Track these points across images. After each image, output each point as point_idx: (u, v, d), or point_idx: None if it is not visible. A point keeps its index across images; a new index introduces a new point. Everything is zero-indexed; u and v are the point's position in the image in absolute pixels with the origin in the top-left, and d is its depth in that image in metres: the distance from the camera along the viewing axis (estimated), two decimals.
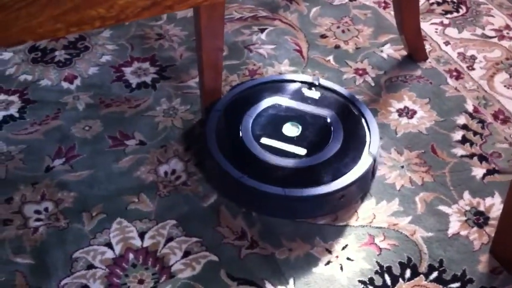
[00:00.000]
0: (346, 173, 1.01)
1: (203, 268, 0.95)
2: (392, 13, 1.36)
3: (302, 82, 1.18)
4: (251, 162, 1.02)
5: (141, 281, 0.93)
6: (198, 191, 1.06)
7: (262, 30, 1.40)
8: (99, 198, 1.04)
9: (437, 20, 1.44)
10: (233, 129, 1.07)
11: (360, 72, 1.30)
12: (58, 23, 0.63)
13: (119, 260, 0.95)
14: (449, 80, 1.28)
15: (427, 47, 1.36)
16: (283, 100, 1.13)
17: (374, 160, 1.04)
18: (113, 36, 1.37)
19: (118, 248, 0.97)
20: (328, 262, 0.96)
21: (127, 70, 1.29)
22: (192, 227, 1.00)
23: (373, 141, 1.06)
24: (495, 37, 1.40)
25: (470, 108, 1.22)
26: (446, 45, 1.38)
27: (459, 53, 1.35)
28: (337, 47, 1.37)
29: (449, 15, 1.46)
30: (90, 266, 0.94)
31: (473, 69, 1.31)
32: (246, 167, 1.01)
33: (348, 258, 0.96)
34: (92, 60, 1.31)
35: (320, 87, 1.16)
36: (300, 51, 1.35)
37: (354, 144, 1.06)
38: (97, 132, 1.16)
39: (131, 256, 0.96)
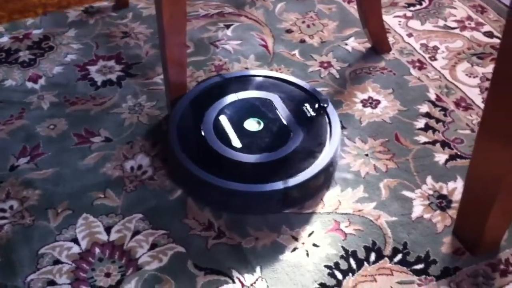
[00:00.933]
0: (304, 169, 1.00)
1: (170, 260, 0.95)
2: (356, 6, 1.38)
3: (267, 77, 1.18)
4: (211, 158, 1.02)
5: (107, 274, 0.93)
6: (164, 185, 1.06)
7: (228, 26, 1.41)
8: (64, 195, 1.04)
9: (401, 13, 1.47)
10: (195, 125, 1.07)
11: (325, 65, 1.32)
12: (1, 11, 0.63)
13: (85, 255, 0.95)
14: (412, 71, 1.30)
15: (391, 39, 1.38)
16: (245, 96, 1.12)
17: (331, 161, 1.03)
18: (78, 35, 1.37)
19: (84, 243, 0.97)
20: (295, 249, 0.97)
21: (92, 69, 1.29)
22: (159, 220, 1.00)
23: (333, 137, 1.05)
24: (457, 28, 1.42)
25: (432, 96, 1.24)
26: (409, 37, 1.40)
27: (422, 44, 1.37)
28: (302, 41, 1.38)
29: (412, 8, 1.48)
30: (56, 262, 0.94)
31: (436, 59, 1.34)
32: (206, 163, 1.00)
33: (314, 245, 0.97)
34: (56, 59, 1.31)
35: (284, 82, 1.16)
36: (266, 46, 1.36)
37: (314, 139, 1.06)
38: (62, 130, 1.15)
39: (97, 250, 0.96)
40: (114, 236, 0.98)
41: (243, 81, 1.17)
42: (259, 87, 1.15)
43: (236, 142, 1.03)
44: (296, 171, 1.00)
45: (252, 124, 1.07)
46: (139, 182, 1.06)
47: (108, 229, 0.99)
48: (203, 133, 1.05)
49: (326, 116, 1.10)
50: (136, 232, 0.98)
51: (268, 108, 1.10)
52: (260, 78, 1.19)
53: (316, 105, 1.10)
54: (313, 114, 1.07)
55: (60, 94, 1.23)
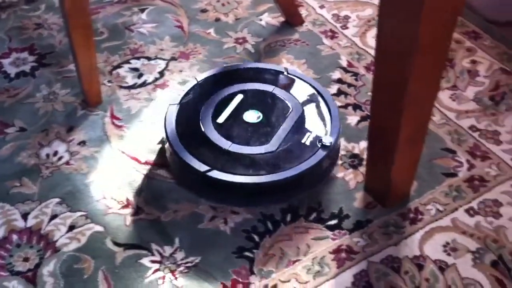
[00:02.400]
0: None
1: (89, 239, 0.95)
2: None
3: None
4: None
5: (26, 259, 0.93)
6: (81, 169, 1.06)
7: (142, 10, 1.42)
8: None
9: None
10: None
11: (240, 41, 1.34)
12: None
13: (2, 242, 0.95)
14: (325, 40, 1.34)
15: (304, 12, 1.41)
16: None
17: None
18: None
19: (1, 231, 0.96)
20: (213, 218, 0.98)
21: (6, 62, 1.28)
22: (77, 202, 1.01)
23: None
24: None
25: (344, 63, 1.28)
26: (321, 8, 1.43)
27: (333, 15, 1.41)
28: (217, 20, 1.40)
29: None
30: None
31: (347, 28, 1.37)
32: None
33: (232, 211, 0.99)
34: None
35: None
36: (181, 27, 1.37)
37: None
38: None
39: (14, 237, 0.95)
40: (31, 222, 0.98)
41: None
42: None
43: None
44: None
45: (251, 116, 1.04)
46: (55, 168, 1.06)
47: (25, 216, 0.98)
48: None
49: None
50: (53, 216, 0.98)
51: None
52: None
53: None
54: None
55: None
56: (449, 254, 0.93)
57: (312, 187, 1.01)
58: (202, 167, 0.96)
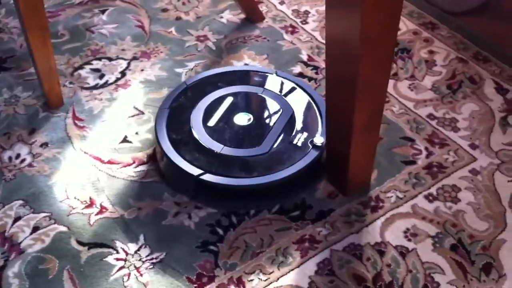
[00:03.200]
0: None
1: (53, 240, 0.95)
2: None
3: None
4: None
5: None
6: (44, 170, 1.06)
7: (103, 12, 1.42)
8: None
9: None
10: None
11: (202, 38, 1.35)
12: None
13: None
14: (285, 36, 1.35)
15: (264, 8, 1.42)
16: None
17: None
18: None
19: None
20: (177, 213, 0.99)
21: None
22: (40, 204, 1.00)
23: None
24: None
25: (305, 57, 1.29)
26: (281, 4, 1.45)
27: (293, 10, 1.43)
28: (178, 18, 1.40)
29: None
30: None
31: (307, 23, 1.39)
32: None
33: (196, 207, 1.00)
34: None
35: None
36: (142, 27, 1.38)
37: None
38: None
39: None
40: None
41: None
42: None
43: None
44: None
45: (242, 118, 1.05)
46: (18, 170, 1.06)
47: None
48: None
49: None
50: (17, 218, 0.98)
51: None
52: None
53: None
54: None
55: None
56: (409, 240, 0.95)
57: (306, 187, 1.02)
58: (195, 171, 0.97)
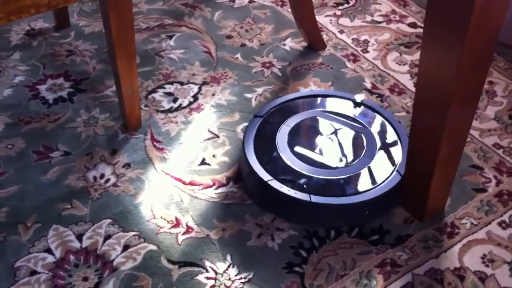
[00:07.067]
0: (372, 188, 1.04)
1: (144, 258, 0.99)
2: (289, 10, 1.47)
3: (343, 98, 1.23)
4: (282, 168, 1.06)
5: (85, 279, 0.96)
6: (129, 190, 1.10)
7: (170, 37, 1.47)
8: (32, 209, 1.06)
9: (331, 12, 1.57)
10: (270, 136, 1.13)
11: (267, 65, 1.40)
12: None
13: (60, 263, 0.98)
14: (348, 64, 1.40)
15: (325, 37, 1.47)
16: (322, 113, 1.18)
17: (402, 178, 1.05)
18: (24, 57, 1.39)
19: (58, 252, 1.00)
20: (260, 235, 1.03)
21: (42, 88, 1.32)
22: (128, 222, 1.04)
23: (403, 161, 1.08)
24: (383, 21, 1.53)
25: (368, 85, 1.34)
26: (341, 33, 1.50)
27: (353, 39, 1.48)
28: (243, 45, 1.45)
29: (340, 7, 1.58)
30: (33, 272, 0.97)
31: (367, 51, 1.44)
32: (276, 172, 1.05)
33: (278, 229, 1.04)
34: (5, 82, 1.33)
35: (362, 105, 1.21)
36: (209, 53, 1.43)
37: (384, 162, 1.09)
38: (21, 148, 1.18)
39: (72, 257, 0.99)
40: (86, 242, 1.01)
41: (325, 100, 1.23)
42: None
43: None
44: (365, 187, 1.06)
45: (326, 141, 1.12)
46: (103, 190, 1.10)
47: (79, 237, 1.02)
48: (276, 143, 1.12)
49: (399, 142, 1.13)
50: (107, 237, 1.02)
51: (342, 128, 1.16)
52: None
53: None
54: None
55: (13, 115, 1.25)
56: (487, 265, 0.99)
57: (383, 210, 1.06)
58: (266, 177, 1.04)
